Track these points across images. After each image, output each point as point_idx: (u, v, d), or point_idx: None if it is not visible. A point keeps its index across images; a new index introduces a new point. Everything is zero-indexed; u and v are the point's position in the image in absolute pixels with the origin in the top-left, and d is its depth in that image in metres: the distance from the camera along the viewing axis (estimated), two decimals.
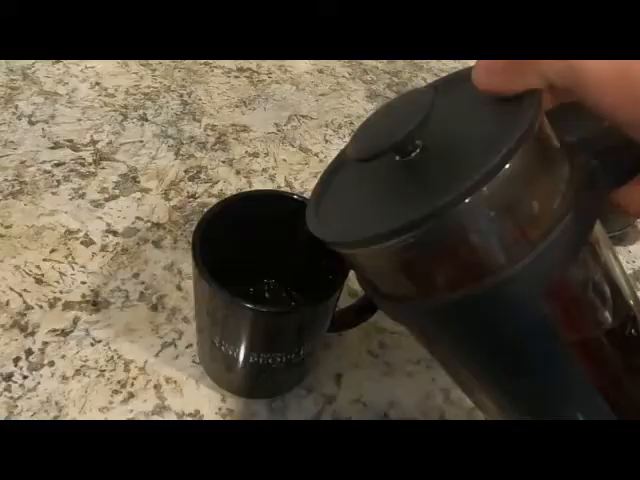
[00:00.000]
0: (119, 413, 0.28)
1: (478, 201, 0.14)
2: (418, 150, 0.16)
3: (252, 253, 0.28)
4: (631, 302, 0.18)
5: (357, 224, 0.17)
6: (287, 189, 0.43)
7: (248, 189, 0.41)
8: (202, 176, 0.42)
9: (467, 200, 0.14)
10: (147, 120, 0.46)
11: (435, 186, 0.15)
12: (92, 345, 0.31)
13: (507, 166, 0.14)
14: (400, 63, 0.60)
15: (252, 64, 0.55)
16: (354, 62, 0.59)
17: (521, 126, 0.14)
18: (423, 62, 0.60)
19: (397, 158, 0.17)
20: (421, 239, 0.15)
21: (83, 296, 0.33)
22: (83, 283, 0.33)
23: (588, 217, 0.16)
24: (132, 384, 0.29)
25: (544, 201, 0.15)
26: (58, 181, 0.39)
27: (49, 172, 0.39)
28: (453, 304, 0.16)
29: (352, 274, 0.37)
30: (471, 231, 0.15)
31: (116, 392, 0.29)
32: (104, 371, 0.30)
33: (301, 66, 0.56)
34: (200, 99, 0.49)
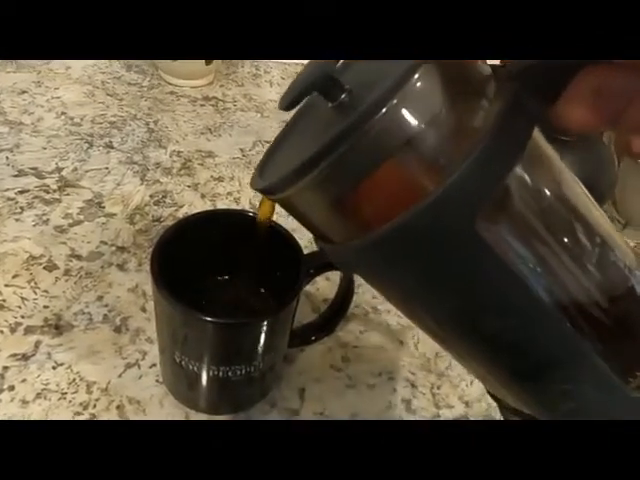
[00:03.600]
0: None
1: (390, 117, 0.14)
2: (346, 94, 0.16)
3: (214, 267, 0.29)
4: (598, 230, 0.18)
5: (289, 170, 0.16)
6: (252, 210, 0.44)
7: None
8: (167, 200, 0.43)
9: (377, 116, 0.13)
10: (113, 147, 0.47)
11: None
12: (54, 368, 0.30)
13: (415, 77, 0.14)
14: None
15: (218, 93, 0.57)
16: None
17: None
18: None
19: (330, 105, 0.16)
20: (340, 164, 0.14)
21: (45, 320, 0.33)
22: (45, 307, 0.33)
23: (515, 135, 0.15)
24: (94, 405, 0.29)
25: (465, 119, 0.15)
26: (22, 208, 0.39)
27: (13, 199, 0.40)
28: (387, 238, 0.15)
29: (311, 288, 0.38)
30: (389, 152, 0.14)
31: (78, 414, 0.29)
32: (66, 394, 0.29)
33: (266, 94, 0.58)
34: (166, 127, 0.50)
